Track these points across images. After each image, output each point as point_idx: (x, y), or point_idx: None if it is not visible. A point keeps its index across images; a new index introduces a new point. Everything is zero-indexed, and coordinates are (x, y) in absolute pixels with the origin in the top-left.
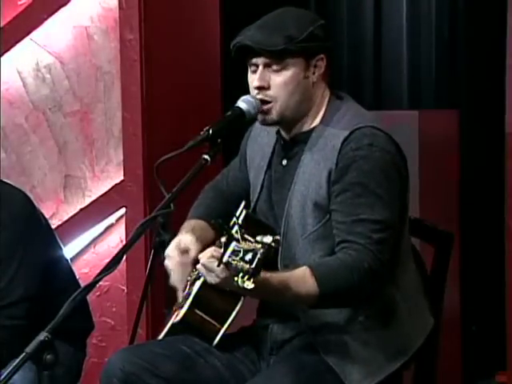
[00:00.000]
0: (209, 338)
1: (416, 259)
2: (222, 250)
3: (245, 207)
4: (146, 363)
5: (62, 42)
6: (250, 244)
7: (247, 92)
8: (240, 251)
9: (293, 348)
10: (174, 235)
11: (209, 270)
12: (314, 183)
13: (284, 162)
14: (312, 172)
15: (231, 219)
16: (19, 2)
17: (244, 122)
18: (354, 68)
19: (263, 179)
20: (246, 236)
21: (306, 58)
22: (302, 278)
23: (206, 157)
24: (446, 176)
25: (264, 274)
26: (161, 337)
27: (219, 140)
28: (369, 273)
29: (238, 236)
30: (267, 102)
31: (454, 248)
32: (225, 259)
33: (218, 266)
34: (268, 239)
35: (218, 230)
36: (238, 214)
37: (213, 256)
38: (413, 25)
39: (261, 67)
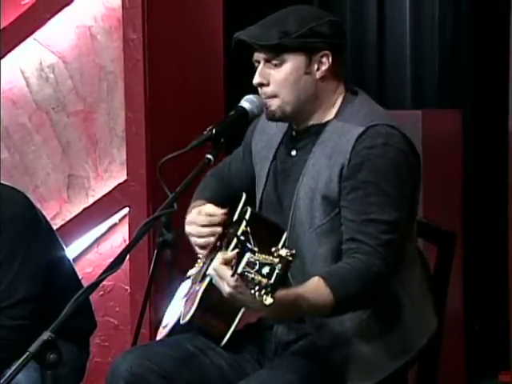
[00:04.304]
0: (215, 338)
1: (420, 259)
2: (235, 259)
3: (246, 202)
4: (153, 365)
5: (65, 42)
6: (266, 256)
7: (250, 92)
8: (256, 263)
9: (297, 348)
10: (177, 235)
11: (220, 276)
12: (324, 177)
13: (293, 153)
14: (322, 165)
15: (232, 210)
16: (22, 2)
17: (247, 121)
18: (357, 67)
19: (268, 170)
20: (254, 234)
21: (307, 53)
22: (316, 289)
23: (209, 156)
24: (449, 175)
25: (280, 289)
26: (168, 329)
27: (222, 140)
28: (378, 276)
29: (252, 246)
30: (268, 98)
31: (458, 247)
32: (239, 270)
33: (232, 275)
34: (283, 252)
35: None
36: (239, 209)
37: (225, 262)
38: (416, 24)
39: (262, 63)
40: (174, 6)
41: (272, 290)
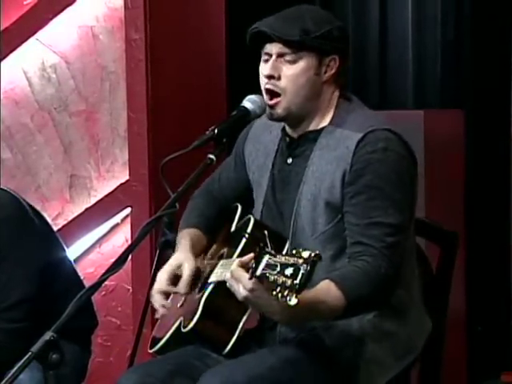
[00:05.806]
0: (218, 347)
1: (421, 259)
2: (253, 264)
3: (241, 213)
4: (159, 382)
5: (67, 42)
6: (287, 258)
7: (253, 91)
8: (276, 265)
9: (298, 340)
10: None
11: (237, 279)
12: (327, 183)
13: (289, 161)
14: (323, 171)
15: (228, 223)
16: (25, 2)
17: (249, 121)
18: (360, 68)
19: (268, 179)
20: (260, 241)
21: (319, 54)
22: (327, 291)
23: (211, 156)
24: (451, 176)
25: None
26: (167, 337)
27: (224, 140)
28: (385, 278)
29: (270, 249)
30: (275, 95)
31: (460, 248)
32: (258, 272)
33: (250, 278)
34: (305, 253)
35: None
36: (235, 221)
37: (242, 265)
38: (418, 25)
39: (274, 56)
40: (175, 6)
41: (298, 289)
